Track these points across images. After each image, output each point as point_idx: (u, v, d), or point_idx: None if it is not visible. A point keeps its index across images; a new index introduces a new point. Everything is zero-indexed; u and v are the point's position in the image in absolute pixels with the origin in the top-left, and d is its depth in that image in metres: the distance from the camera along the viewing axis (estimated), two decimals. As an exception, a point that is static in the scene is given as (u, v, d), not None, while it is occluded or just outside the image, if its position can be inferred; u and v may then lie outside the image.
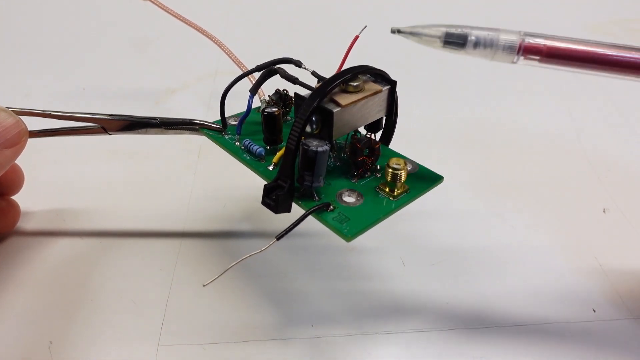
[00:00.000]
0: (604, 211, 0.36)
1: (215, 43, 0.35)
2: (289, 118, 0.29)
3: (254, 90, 0.27)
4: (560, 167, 0.41)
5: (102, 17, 0.68)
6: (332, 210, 0.22)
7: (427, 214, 0.35)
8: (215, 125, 0.29)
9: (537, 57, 0.19)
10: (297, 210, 0.23)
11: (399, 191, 0.23)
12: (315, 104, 0.22)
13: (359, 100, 0.23)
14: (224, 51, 0.34)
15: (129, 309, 0.28)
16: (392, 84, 0.25)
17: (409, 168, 0.25)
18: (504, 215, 0.35)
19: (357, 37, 0.25)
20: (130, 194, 0.37)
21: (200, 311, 0.28)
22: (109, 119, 0.28)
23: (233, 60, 0.33)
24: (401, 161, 0.23)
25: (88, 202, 0.35)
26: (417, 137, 0.42)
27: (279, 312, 0.28)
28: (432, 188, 0.25)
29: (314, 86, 0.25)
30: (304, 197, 0.23)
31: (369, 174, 0.25)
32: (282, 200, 0.22)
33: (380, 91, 0.24)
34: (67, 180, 0.38)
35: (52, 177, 0.38)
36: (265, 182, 0.24)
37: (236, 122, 0.29)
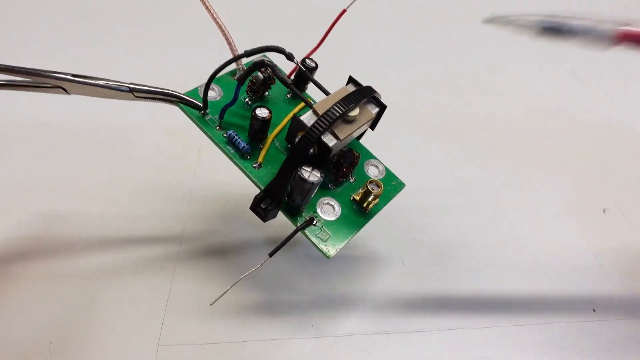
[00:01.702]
0: (604, 211, 0.36)
1: (217, 23, 0.32)
2: (267, 93, 0.28)
3: (241, 80, 0.25)
4: (561, 166, 0.41)
5: (101, 16, 0.67)
6: (315, 225, 0.24)
7: (426, 214, 0.35)
8: (194, 101, 0.26)
9: (634, 43, 0.19)
10: (281, 217, 0.24)
11: (369, 206, 0.25)
12: (315, 139, 0.22)
13: (354, 130, 0.24)
14: (223, 30, 0.31)
15: (129, 309, 0.28)
16: (382, 107, 0.25)
17: (376, 173, 0.27)
18: (504, 215, 0.35)
19: (344, 11, 0.25)
20: (130, 194, 0.36)
21: (200, 311, 0.28)
22: (69, 79, 0.25)
23: (227, 39, 0.30)
24: (381, 184, 0.25)
25: (87, 202, 0.35)
26: (416, 133, 0.42)
27: (279, 312, 0.28)
28: (397, 195, 0.27)
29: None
30: (290, 207, 0.24)
31: (344, 179, 0.26)
32: (271, 212, 0.23)
33: (373, 117, 0.25)
34: (67, 180, 0.38)
35: (51, 176, 0.38)
36: (248, 177, 0.25)
37: (214, 94, 0.27)
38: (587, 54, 0.61)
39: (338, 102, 0.23)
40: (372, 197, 0.25)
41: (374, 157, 0.28)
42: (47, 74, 0.25)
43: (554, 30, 0.20)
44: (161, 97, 0.26)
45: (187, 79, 0.53)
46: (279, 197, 0.23)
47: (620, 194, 0.37)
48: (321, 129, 0.22)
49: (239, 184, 0.37)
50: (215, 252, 0.32)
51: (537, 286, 0.30)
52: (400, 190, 0.27)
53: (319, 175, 0.22)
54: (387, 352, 0.26)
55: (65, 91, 0.25)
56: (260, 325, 0.27)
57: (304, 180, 0.22)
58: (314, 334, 0.27)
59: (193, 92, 0.27)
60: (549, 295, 0.29)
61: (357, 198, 0.25)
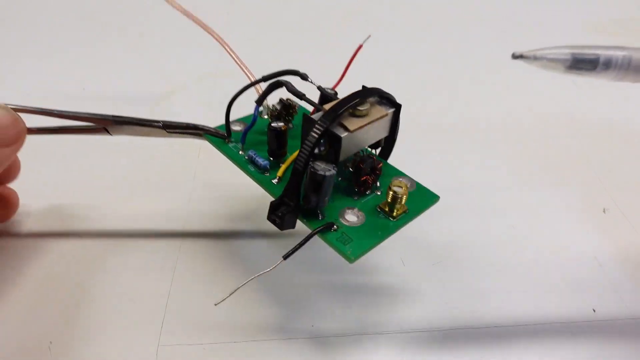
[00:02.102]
0: (604, 211, 0.36)
1: (219, 41, 0.34)
2: (291, 126, 0.29)
3: (259, 102, 0.27)
4: (561, 166, 0.41)
5: (102, 16, 0.67)
6: (335, 230, 0.23)
7: (427, 214, 0.35)
8: (219, 132, 0.29)
9: None
10: (300, 226, 0.24)
11: (399, 212, 0.24)
12: (324, 130, 0.22)
13: (365, 125, 0.24)
14: (227, 50, 0.33)
15: (129, 309, 0.28)
16: (397, 107, 0.25)
17: (407, 185, 0.26)
18: (504, 215, 0.35)
19: (360, 47, 0.26)
20: (131, 194, 0.37)
21: (200, 311, 0.28)
22: (111, 120, 0.28)
23: (236, 60, 0.32)
24: (402, 184, 0.24)
25: (87, 202, 0.35)
26: (416, 134, 0.42)
27: (279, 312, 0.28)
28: (429, 207, 0.26)
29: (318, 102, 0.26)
30: (308, 214, 0.24)
31: (369, 191, 0.25)
32: (288, 218, 0.23)
33: (386, 115, 0.25)
34: (66, 180, 0.38)
35: (51, 176, 0.38)
36: (269, 194, 0.25)
37: (240, 129, 0.29)
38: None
39: (346, 97, 0.23)
40: (398, 200, 0.23)
41: (403, 174, 0.27)
42: (94, 117, 0.28)
43: (588, 62, 0.19)
44: (190, 131, 0.29)
45: (187, 78, 0.53)
46: (294, 199, 0.23)
47: (620, 194, 0.37)
48: (328, 120, 0.22)
49: (239, 184, 0.37)
50: (216, 252, 0.32)
51: (537, 286, 0.30)
52: (433, 202, 0.26)
53: (331, 169, 0.22)
54: (387, 352, 0.26)
55: (108, 132, 0.28)
56: (261, 325, 0.27)
57: (315, 174, 0.21)
58: (314, 334, 0.27)
59: (221, 127, 0.29)
60: (549, 295, 0.29)
61: (384, 207, 0.24)
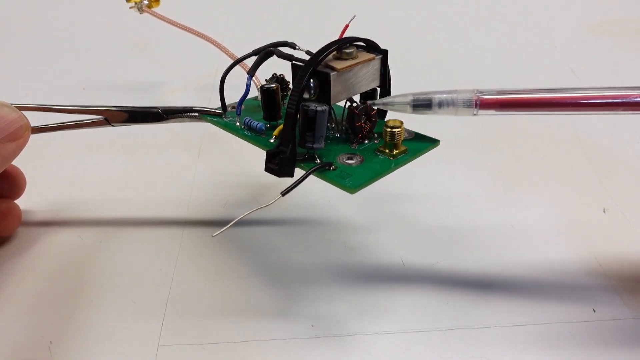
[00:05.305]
0: (604, 211, 0.36)
1: (217, 46, 0.36)
2: (285, 103, 0.30)
3: (252, 72, 0.28)
4: (560, 167, 0.41)
5: (102, 17, 0.68)
6: (334, 170, 0.24)
7: (427, 214, 0.35)
8: (215, 110, 0.30)
9: (492, 109, 0.23)
10: (300, 175, 0.24)
11: (398, 151, 0.25)
12: (312, 68, 0.23)
13: (353, 65, 0.24)
14: (226, 53, 0.34)
15: (129, 309, 0.28)
16: (384, 53, 0.26)
17: (405, 135, 0.26)
18: (503, 215, 0.35)
19: (347, 26, 0.26)
20: (131, 192, 0.37)
21: (200, 311, 0.28)
22: (111, 110, 0.29)
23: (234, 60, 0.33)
24: (398, 121, 0.24)
25: (86, 203, 0.35)
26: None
27: (279, 312, 0.28)
28: (430, 150, 0.26)
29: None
30: (305, 161, 0.24)
31: (367, 140, 0.26)
32: (285, 165, 0.23)
33: (373, 59, 0.25)
34: (64, 181, 0.38)
35: (51, 175, 0.38)
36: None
37: (235, 109, 0.30)
38: (585, 54, 0.61)
39: (331, 42, 0.24)
40: (396, 137, 0.24)
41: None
42: (93, 108, 0.29)
43: (424, 105, 0.23)
44: (187, 114, 0.30)
45: (187, 79, 0.53)
46: (289, 144, 0.23)
47: (620, 194, 0.37)
48: (314, 59, 0.23)
49: (239, 184, 0.37)
50: (216, 252, 0.32)
51: (537, 286, 0.30)
52: (434, 145, 0.26)
53: (323, 105, 0.22)
54: (387, 352, 0.26)
55: (109, 122, 0.29)
56: (260, 325, 0.27)
57: (308, 110, 0.22)
58: (314, 334, 0.27)
59: (217, 109, 0.30)
60: (549, 295, 0.29)
61: (383, 149, 0.25)
